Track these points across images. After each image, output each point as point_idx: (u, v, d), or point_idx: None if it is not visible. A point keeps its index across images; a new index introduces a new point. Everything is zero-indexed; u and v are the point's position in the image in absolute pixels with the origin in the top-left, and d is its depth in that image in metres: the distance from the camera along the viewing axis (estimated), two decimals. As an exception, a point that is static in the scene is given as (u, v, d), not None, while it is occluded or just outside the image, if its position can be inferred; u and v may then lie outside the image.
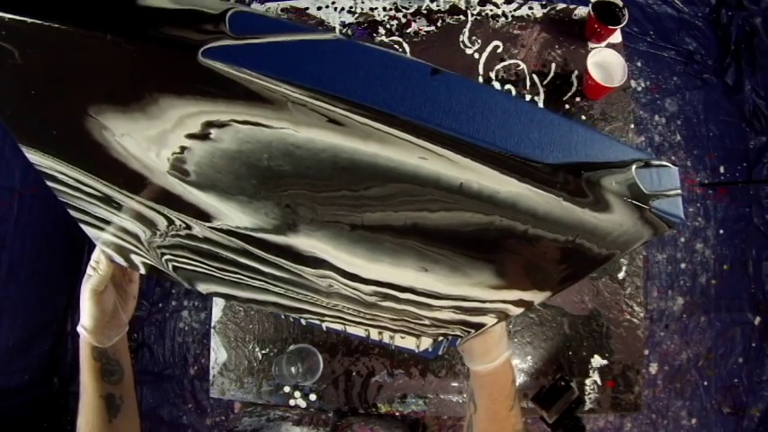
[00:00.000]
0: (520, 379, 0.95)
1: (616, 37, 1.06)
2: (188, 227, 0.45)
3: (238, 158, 0.35)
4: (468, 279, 0.42)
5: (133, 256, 0.53)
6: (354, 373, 0.95)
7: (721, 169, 1.81)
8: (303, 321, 0.59)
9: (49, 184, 0.44)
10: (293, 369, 0.90)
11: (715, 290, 1.75)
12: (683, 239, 1.77)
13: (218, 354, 0.97)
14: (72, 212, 0.47)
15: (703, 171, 1.80)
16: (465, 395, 0.61)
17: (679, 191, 0.29)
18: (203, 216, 0.43)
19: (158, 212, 0.44)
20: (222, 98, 0.30)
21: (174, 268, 0.52)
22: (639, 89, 1.83)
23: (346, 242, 0.41)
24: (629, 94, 1.06)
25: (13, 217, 1.32)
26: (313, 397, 0.94)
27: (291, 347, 0.95)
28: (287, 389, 0.94)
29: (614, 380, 0.97)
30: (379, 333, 0.57)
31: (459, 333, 0.54)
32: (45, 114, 0.37)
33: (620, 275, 1.00)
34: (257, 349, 0.97)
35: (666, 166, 0.29)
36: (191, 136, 0.34)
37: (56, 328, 1.59)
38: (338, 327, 0.60)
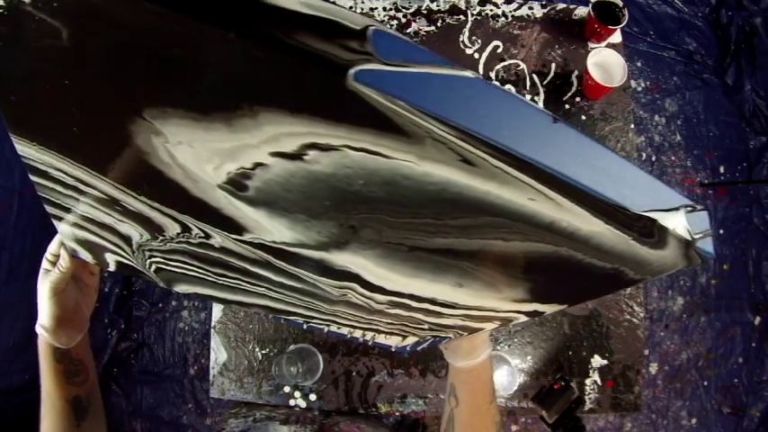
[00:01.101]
0: (520, 379, 0.95)
1: (616, 37, 1.06)
2: (206, 236, 0.42)
3: (325, 181, 0.32)
4: (498, 294, 0.43)
5: (107, 255, 0.48)
6: (354, 373, 0.95)
7: (721, 169, 1.81)
8: (282, 320, 0.57)
9: (34, 178, 0.40)
10: (293, 369, 0.90)
11: (715, 290, 1.74)
12: (683, 239, 1.77)
13: (218, 354, 0.97)
14: (49, 208, 0.44)
15: (703, 171, 1.80)
16: (447, 390, 0.61)
17: (710, 231, 0.34)
18: (236, 229, 0.40)
19: (175, 220, 0.41)
20: (349, 123, 0.29)
21: (158, 270, 0.49)
22: (639, 89, 1.83)
23: (394, 261, 0.40)
24: (629, 94, 1.06)
25: (12, 217, 1.32)
26: (313, 397, 0.94)
27: (291, 347, 0.95)
28: (287, 389, 0.94)
29: (614, 380, 0.97)
30: (363, 334, 0.56)
31: (451, 335, 0.54)
32: (70, 109, 0.33)
33: (620, 275, 1.00)
34: (257, 349, 0.97)
35: (701, 209, 0.34)
36: (278, 154, 0.31)
37: (56, 328, 1.59)
38: (322, 327, 0.58)
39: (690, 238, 0.34)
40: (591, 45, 1.06)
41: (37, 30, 0.27)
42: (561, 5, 1.11)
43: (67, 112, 0.34)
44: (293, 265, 0.43)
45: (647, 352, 1.69)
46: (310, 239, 0.39)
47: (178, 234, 0.43)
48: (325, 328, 0.57)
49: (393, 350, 0.58)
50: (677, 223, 0.33)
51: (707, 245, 0.35)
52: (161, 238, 0.44)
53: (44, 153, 0.38)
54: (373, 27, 0.26)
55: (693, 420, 1.69)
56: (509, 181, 0.31)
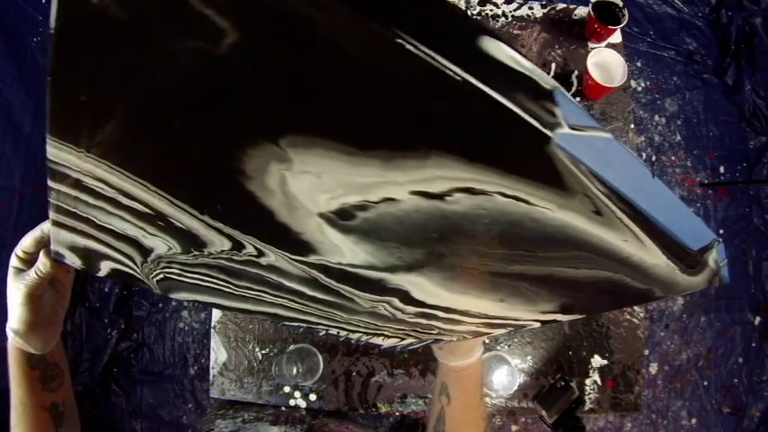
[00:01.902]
0: (520, 379, 0.95)
1: (616, 37, 1.06)
2: (258, 255, 0.40)
3: (449, 218, 0.34)
4: (532, 307, 0.44)
5: (104, 262, 0.44)
6: (354, 373, 0.95)
7: (721, 169, 1.81)
8: (281, 325, 0.55)
9: (56, 184, 0.37)
10: (293, 369, 0.90)
11: (715, 290, 1.74)
12: (683, 239, 1.77)
13: (218, 354, 0.97)
14: (58, 215, 0.40)
15: (703, 171, 1.80)
16: (436, 389, 0.61)
17: (726, 260, 0.39)
18: (303, 251, 0.39)
19: (230, 239, 0.39)
20: (520, 175, 0.31)
21: (164, 279, 0.46)
22: (639, 89, 1.83)
23: (454, 281, 0.40)
24: (629, 94, 1.06)
25: (12, 217, 1.32)
26: (313, 397, 0.94)
27: (291, 347, 0.95)
28: (287, 389, 0.94)
29: (614, 380, 0.97)
30: (360, 337, 0.56)
31: (455, 338, 0.53)
32: (169, 121, 0.30)
33: (620, 275, 1.00)
34: (257, 349, 0.97)
35: (721, 241, 0.39)
36: (420, 193, 0.32)
37: (56, 328, 1.59)
38: (321, 330, 0.58)
39: (716, 268, 0.39)
40: (591, 45, 1.06)
41: (190, 26, 0.24)
42: (561, 5, 1.11)
43: (163, 125, 0.31)
44: (340, 282, 0.42)
45: (647, 352, 1.69)
46: (384, 263, 0.39)
47: (222, 251, 0.40)
48: (324, 332, 0.56)
49: (382, 348, 0.58)
50: (712, 255, 0.38)
51: (725, 271, 0.40)
52: (195, 253, 0.42)
53: (91, 162, 0.34)
54: (558, 89, 0.28)
55: (693, 420, 1.69)
56: (619, 227, 0.35)
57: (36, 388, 0.48)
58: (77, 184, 0.36)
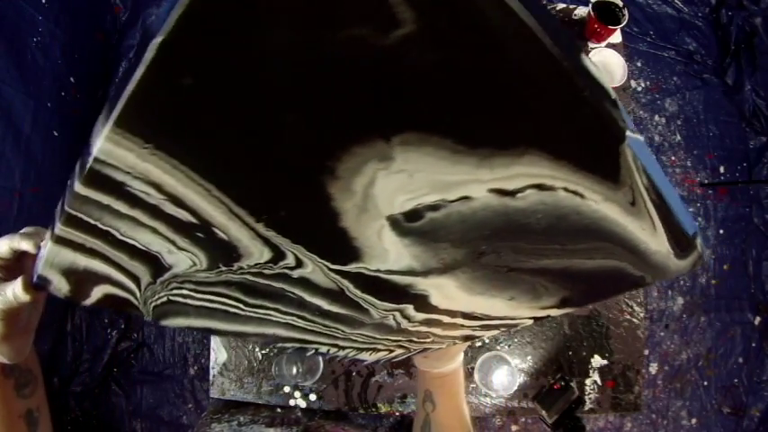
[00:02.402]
0: (520, 379, 0.95)
1: (616, 37, 1.06)
2: (296, 266, 0.39)
3: (508, 215, 0.35)
4: (536, 304, 0.45)
5: (99, 287, 0.41)
6: (354, 373, 0.95)
7: (721, 169, 1.81)
8: (274, 347, 0.52)
9: (88, 191, 0.32)
10: (293, 369, 0.90)
11: (715, 290, 1.74)
12: (683, 239, 1.77)
13: (218, 354, 0.97)
14: (67, 230, 0.36)
15: (703, 171, 1.80)
16: (419, 397, 0.63)
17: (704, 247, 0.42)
18: (347, 259, 0.39)
19: (274, 249, 0.38)
20: (589, 172, 0.33)
21: (167, 302, 0.44)
22: (639, 89, 1.83)
23: (478, 281, 0.42)
24: (629, 94, 1.05)
25: (12, 217, 1.32)
26: (313, 397, 0.94)
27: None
28: (287, 389, 0.94)
29: (614, 380, 0.97)
30: (347, 354, 0.57)
31: (444, 345, 0.55)
32: (264, 113, 0.28)
33: (620, 275, 1.00)
34: (257, 349, 0.97)
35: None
36: (496, 191, 0.33)
37: (56, 328, 1.59)
38: (312, 349, 0.56)
39: (702, 251, 0.41)
40: (591, 45, 1.06)
41: (368, 11, 0.24)
42: (561, 5, 1.11)
43: (271, 116, 0.29)
44: (365, 292, 0.43)
45: (647, 352, 1.69)
46: (424, 266, 0.40)
47: (256, 264, 0.39)
48: (314, 351, 0.56)
49: (364, 364, 0.59)
50: (698, 240, 0.40)
51: (706, 256, 0.44)
52: (222, 269, 0.40)
53: (154, 161, 0.31)
54: (617, 98, 0.32)
55: (693, 420, 1.69)
56: (644, 216, 0.37)
57: (11, 396, 0.47)
58: (117, 190, 0.32)
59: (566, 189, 0.34)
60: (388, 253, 0.38)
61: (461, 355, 0.59)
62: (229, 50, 0.26)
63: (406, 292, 0.43)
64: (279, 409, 0.94)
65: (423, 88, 0.28)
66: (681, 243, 0.40)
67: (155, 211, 0.34)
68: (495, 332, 0.51)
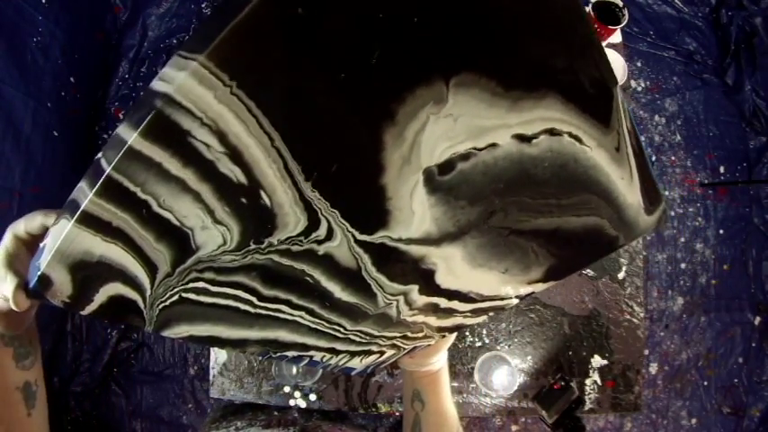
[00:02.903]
0: (520, 379, 0.95)
1: (616, 37, 1.06)
2: (327, 238, 0.40)
3: (522, 163, 0.39)
4: (525, 277, 0.49)
5: (108, 286, 0.38)
6: (354, 373, 0.95)
7: (721, 169, 1.81)
8: (271, 356, 0.53)
9: (148, 143, 0.30)
10: (293, 369, 0.90)
11: (715, 290, 1.74)
12: (682, 239, 1.77)
13: (219, 354, 0.97)
14: (99, 203, 0.32)
15: (703, 171, 1.80)
16: (407, 398, 0.64)
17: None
18: (375, 225, 0.40)
19: (311, 215, 0.38)
20: (589, 115, 0.38)
21: (177, 302, 0.42)
22: (639, 89, 1.83)
23: (482, 250, 0.45)
24: (629, 94, 1.06)
25: (13, 217, 1.32)
26: (313, 397, 0.94)
27: (291, 347, 0.95)
28: (287, 389, 0.94)
29: (614, 380, 0.97)
30: (338, 362, 0.57)
31: (432, 341, 0.56)
32: (336, 57, 0.31)
33: (620, 275, 1.00)
34: (257, 349, 0.97)
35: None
36: (517, 136, 0.38)
37: (55, 328, 1.59)
38: (305, 359, 0.56)
39: (666, 207, 0.46)
40: (591, 45, 1.06)
41: None
42: (561, 5, 1.10)
43: (353, 54, 0.31)
44: (380, 271, 0.44)
45: (647, 352, 1.69)
46: (440, 231, 0.42)
47: (288, 238, 0.39)
48: (307, 360, 0.54)
49: (353, 374, 0.60)
50: (664, 196, 0.46)
51: (668, 211, 0.49)
52: (253, 247, 0.39)
53: (230, 102, 0.30)
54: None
55: (693, 420, 1.69)
56: (624, 164, 0.41)
57: (10, 366, 0.45)
58: (178, 141, 0.31)
59: (570, 134, 0.39)
60: (414, 216, 0.41)
61: (446, 353, 0.61)
62: None
63: (417, 267, 0.45)
64: (276, 412, 0.94)
65: (485, 30, 0.32)
66: (651, 196, 0.45)
67: (208, 170, 0.33)
68: (483, 317, 0.53)
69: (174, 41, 1.77)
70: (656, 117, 1.82)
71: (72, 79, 1.53)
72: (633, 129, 0.41)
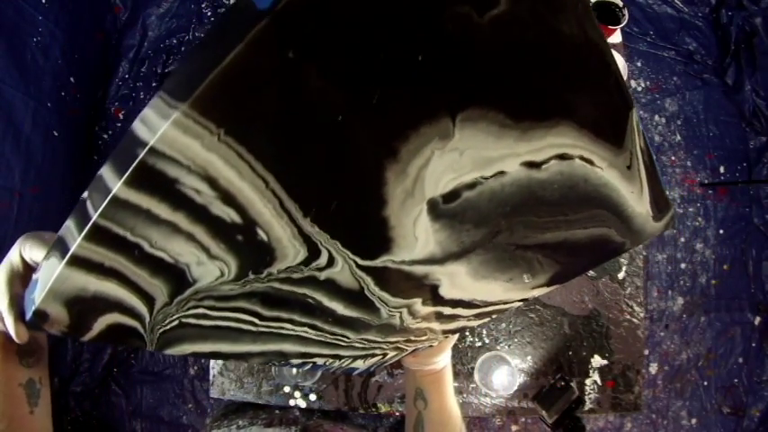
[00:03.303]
0: (520, 379, 0.95)
1: (616, 37, 1.06)
2: (327, 266, 0.39)
3: (529, 187, 0.38)
4: (530, 284, 0.48)
5: (107, 317, 0.37)
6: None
7: (721, 169, 1.81)
8: (274, 363, 0.53)
9: (133, 194, 0.29)
10: (293, 369, 0.90)
11: (715, 290, 1.74)
12: (682, 239, 1.77)
13: (218, 354, 0.97)
14: (88, 246, 0.31)
15: (703, 171, 1.80)
16: (410, 396, 0.64)
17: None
18: (378, 251, 0.40)
19: (311, 247, 0.37)
20: (603, 140, 0.37)
21: (177, 326, 0.41)
22: (639, 89, 1.83)
23: (487, 264, 0.44)
24: (629, 94, 1.06)
25: (13, 217, 1.32)
26: (313, 397, 0.94)
27: (291, 347, 0.95)
28: (287, 389, 0.94)
29: (614, 380, 0.97)
30: (341, 365, 0.57)
31: (435, 343, 0.56)
32: (335, 94, 0.28)
33: (620, 275, 1.00)
34: (257, 349, 0.97)
35: None
36: (527, 163, 0.37)
37: (56, 328, 1.59)
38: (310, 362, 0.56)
39: (673, 213, 0.46)
40: (591, 45, 1.06)
41: None
42: (561, 5, 1.10)
43: (354, 93, 0.29)
44: (383, 289, 0.44)
45: (647, 352, 1.69)
46: (444, 252, 0.41)
47: (287, 268, 0.38)
48: (311, 365, 0.54)
49: (355, 373, 0.59)
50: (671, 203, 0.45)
51: (674, 214, 0.47)
52: (252, 277, 0.38)
53: (219, 149, 0.29)
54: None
55: (693, 420, 1.69)
56: (635, 179, 0.41)
57: (14, 362, 0.45)
58: (165, 189, 0.29)
59: (581, 157, 0.38)
60: (417, 241, 0.40)
61: (449, 351, 0.61)
62: (337, 20, 0.26)
63: (421, 284, 0.44)
64: (277, 411, 0.94)
65: (494, 65, 0.31)
66: (659, 204, 0.44)
67: (200, 213, 0.32)
68: (486, 320, 0.53)
69: (174, 41, 1.77)
70: (656, 117, 1.82)
71: (72, 79, 1.53)
72: (646, 146, 0.40)
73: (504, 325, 0.98)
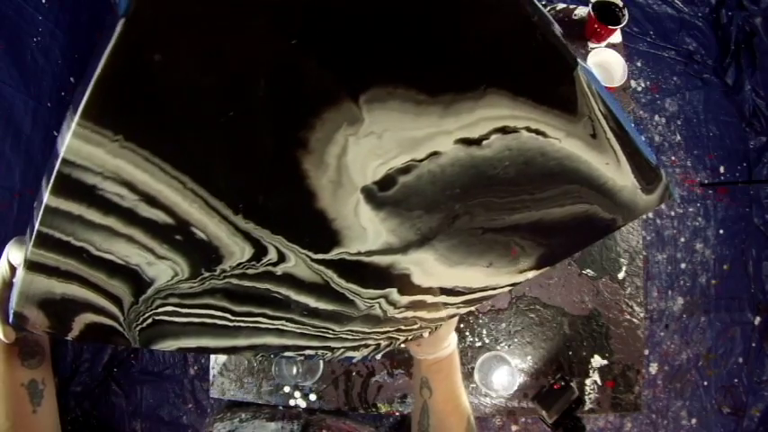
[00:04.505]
0: (520, 379, 0.95)
1: (616, 37, 1.06)
2: (279, 261, 0.39)
3: (476, 167, 0.36)
4: (514, 267, 0.46)
5: (80, 317, 0.39)
6: (354, 373, 0.95)
7: (721, 169, 1.81)
8: (263, 356, 0.52)
9: (58, 201, 0.30)
10: (293, 369, 0.90)
11: (715, 290, 1.74)
12: (682, 239, 1.77)
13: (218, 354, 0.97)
14: (40, 252, 0.33)
15: (703, 171, 1.80)
16: (416, 386, 0.63)
17: (670, 179, 0.45)
18: (329, 245, 0.39)
19: (255, 244, 0.37)
20: (548, 106, 0.34)
21: (153, 324, 0.42)
22: (639, 89, 1.83)
23: (456, 250, 0.42)
24: (629, 94, 1.05)
25: (12, 218, 1.32)
26: (313, 397, 0.94)
27: (291, 347, 0.95)
28: (287, 389, 0.94)
29: (614, 380, 0.97)
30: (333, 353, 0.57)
31: (428, 332, 0.56)
32: (228, 88, 0.27)
33: (620, 275, 1.00)
34: (257, 349, 0.97)
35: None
36: (462, 141, 0.34)
37: (56, 329, 1.59)
38: (303, 355, 0.56)
39: (666, 182, 0.43)
40: (591, 45, 1.06)
41: None
42: (561, 5, 1.11)
43: (240, 89, 0.28)
44: (349, 281, 0.43)
45: (647, 352, 1.69)
46: (401, 240, 0.40)
47: (239, 264, 0.38)
48: (303, 357, 0.55)
49: (353, 362, 0.59)
50: (663, 171, 0.42)
51: (672, 187, 0.45)
52: (206, 274, 0.39)
53: (124, 155, 0.29)
54: (561, 31, 0.33)
55: (693, 420, 1.69)
56: (606, 149, 0.38)
57: (15, 363, 0.46)
58: (89, 195, 0.31)
59: (528, 129, 0.35)
60: (366, 231, 0.38)
61: (454, 340, 0.60)
62: (199, 19, 0.25)
63: (389, 274, 0.43)
64: (281, 406, 0.94)
65: (387, 37, 0.28)
66: (646, 175, 0.41)
67: (130, 216, 0.33)
68: (477, 305, 0.52)
69: (174, 41, 1.77)
70: (656, 117, 1.82)
71: (72, 79, 1.53)
72: (609, 111, 0.36)
73: (504, 325, 0.98)
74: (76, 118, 0.27)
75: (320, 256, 0.40)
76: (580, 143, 0.37)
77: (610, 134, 0.37)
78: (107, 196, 0.31)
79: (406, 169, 0.35)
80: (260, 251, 0.38)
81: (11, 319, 0.38)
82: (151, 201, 0.32)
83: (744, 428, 1.68)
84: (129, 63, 0.26)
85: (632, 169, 0.40)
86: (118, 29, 0.24)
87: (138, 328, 0.41)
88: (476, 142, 0.34)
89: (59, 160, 0.29)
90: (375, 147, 0.33)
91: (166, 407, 1.65)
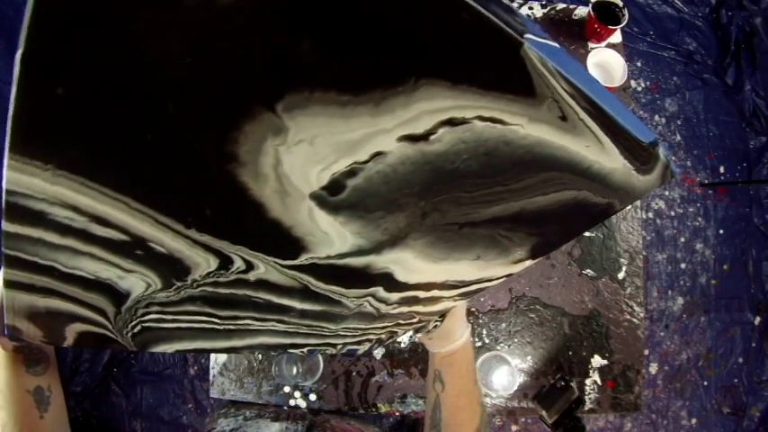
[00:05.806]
0: (520, 379, 0.95)
1: (616, 37, 1.06)
2: (248, 269, 0.38)
3: (431, 162, 0.34)
4: (506, 258, 0.45)
5: (70, 326, 0.39)
6: (354, 373, 0.95)
7: (721, 169, 1.81)
8: (263, 354, 0.52)
9: (11, 226, 0.31)
10: (293, 369, 0.90)
11: (715, 290, 1.74)
12: (682, 239, 1.77)
13: (218, 354, 0.97)
14: (13, 272, 0.34)
15: (703, 171, 1.80)
16: (429, 379, 0.62)
17: (671, 155, 0.42)
18: (294, 252, 0.38)
19: (218, 255, 0.37)
20: (497, 91, 0.31)
21: (142, 330, 0.42)
22: (639, 89, 1.83)
23: (436, 246, 0.41)
24: (629, 94, 1.06)
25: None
26: (313, 397, 0.94)
27: (291, 347, 0.95)
28: (287, 389, 0.94)
29: (614, 380, 0.97)
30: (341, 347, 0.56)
31: (431, 326, 0.55)
32: (145, 106, 0.27)
33: (620, 275, 1.00)
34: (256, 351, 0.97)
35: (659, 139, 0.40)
36: (406, 138, 0.32)
37: (56, 328, 1.59)
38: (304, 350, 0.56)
39: (666, 161, 0.40)
40: (591, 45, 1.06)
41: None
42: (561, 5, 1.11)
43: (152, 110, 0.28)
44: (329, 284, 0.42)
45: (647, 352, 1.69)
46: (371, 242, 0.39)
47: (208, 274, 0.38)
48: (303, 352, 0.55)
49: (358, 353, 0.59)
50: (660, 149, 0.39)
51: (674, 165, 0.42)
52: (178, 284, 0.39)
53: (61, 182, 0.30)
54: (507, 2, 0.29)
55: (693, 420, 1.69)
56: (582, 131, 0.35)
57: (20, 371, 0.47)
58: (41, 220, 0.31)
59: (481, 117, 0.32)
60: (330, 236, 0.37)
61: (467, 332, 0.58)
62: (93, 49, 0.25)
63: (368, 274, 0.41)
64: (285, 406, 0.94)
65: (277, 45, 0.26)
66: (639, 155, 0.38)
67: (86, 236, 0.33)
68: (475, 295, 0.51)
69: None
70: (656, 117, 1.82)
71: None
72: (577, 90, 0.33)
73: (503, 325, 0.98)
74: (6, 152, 0.28)
75: (289, 263, 0.39)
76: (547, 127, 0.34)
77: (583, 115, 0.34)
78: (58, 220, 0.31)
79: (351, 173, 0.33)
80: (225, 261, 0.37)
81: (6, 332, 0.38)
82: (101, 221, 0.32)
83: (744, 428, 1.68)
84: (35, 98, 0.26)
85: (620, 150, 0.37)
86: (17, 68, 0.24)
87: (129, 335, 0.42)
88: (422, 138, 0.32)
89: (4, 190, 0.29)
90: (310, 154, 0.31)
91: (166, 407, 1.65)
